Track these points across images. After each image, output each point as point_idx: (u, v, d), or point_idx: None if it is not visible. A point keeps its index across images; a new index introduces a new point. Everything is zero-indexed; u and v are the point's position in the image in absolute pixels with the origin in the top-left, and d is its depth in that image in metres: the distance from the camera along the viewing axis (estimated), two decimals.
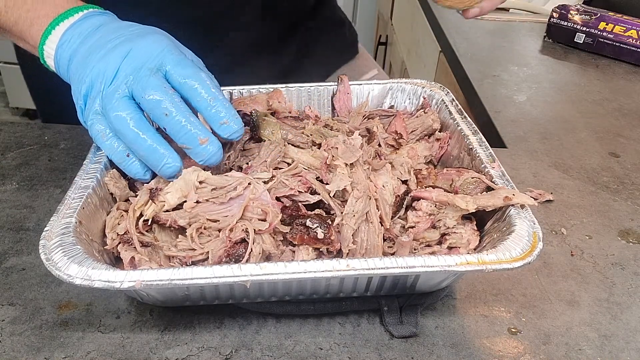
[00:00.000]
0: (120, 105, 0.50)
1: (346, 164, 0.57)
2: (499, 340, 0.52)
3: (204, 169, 0.53)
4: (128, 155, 0.53)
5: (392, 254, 0.54)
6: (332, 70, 1.00)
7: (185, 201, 0.52)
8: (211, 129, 0.53)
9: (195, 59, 0.57)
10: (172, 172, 0.52)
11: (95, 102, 0.52)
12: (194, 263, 0.51)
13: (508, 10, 1.48)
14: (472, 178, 0.58)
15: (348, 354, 0.50)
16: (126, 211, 0.54)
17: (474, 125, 0.66)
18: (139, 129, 0.50)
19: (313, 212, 0.54)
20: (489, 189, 0.57)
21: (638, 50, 1.17)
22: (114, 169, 0.58)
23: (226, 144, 0.63)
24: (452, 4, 0.71)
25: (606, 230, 0.68)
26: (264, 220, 0.51)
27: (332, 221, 0.52)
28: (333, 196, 0.55)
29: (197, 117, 0.52)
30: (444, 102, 0.71)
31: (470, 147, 0.62)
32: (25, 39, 0.60)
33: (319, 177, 0.57)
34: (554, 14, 1.26)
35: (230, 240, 0.50)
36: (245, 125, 0.66)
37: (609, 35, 1.19)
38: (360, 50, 1.08)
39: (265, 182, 0.54)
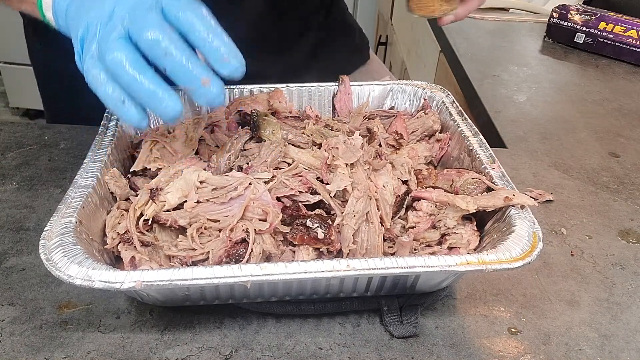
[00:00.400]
0: (117, 46, 0.48)
1: (347, 164, 0.57)
2: (499, 340, 0.53)
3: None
4: (124, 102, 0.49)
5: (393, 254, 0.54)
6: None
7: (186, 201, 0.52)
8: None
9: None
10: (174, 115, 0.49)
11: (91, 45, 0.50)
12: (194, 263, 0.51)
13: (508, 10, 1.48)
14: (473, 179, 0.58)
15: (348, 354, 0.50)
16: (126, 210, 0.54)
17: (474, 127, 0.66)
18: (137, 71, 0.48)
19: (313, 212, 0.54)
20: (489, 189, 0.57)
21: (638, 50, 1.17)
22: (115, 168, 0.59)
23: (227, 144, 0.63)
24: (425, 13, 0.70)
25: (606, 230, 0.68)
26: (265, 220, 0.51)
27: (333, 221, 0.52)
28: (333, 196, 0.55)
29: (198, 56, 0.50)
30: (445, 104, 0.72)
31: (471, 148, 0.62)
32: None
33: (319, 177, 0.57)
34: (554, 14, 1.26)
35: (230, 240, 0.50)
36: (245, 125, 0.67)
37: (609, 35, 1.19)
38: (372, 57, 1.07)
39: (265, 182, 0.54)
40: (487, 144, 0.63)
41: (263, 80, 0.75)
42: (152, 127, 0.70)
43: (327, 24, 0.98)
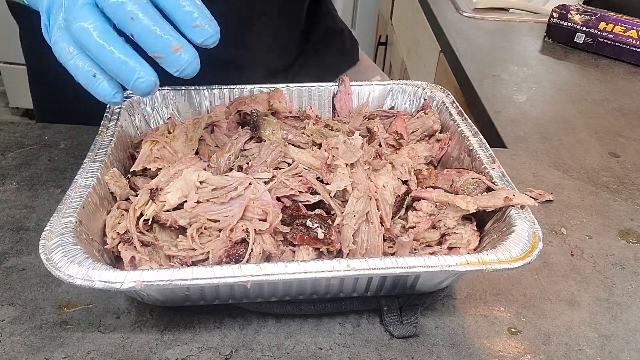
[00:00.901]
0: (82, 14, 0.45)
1: (347, 164, 0.57)
2: (499, 340, 0.53)
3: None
4: (95, 76, 0.47)
5: (393, 254, 0.54)
6: (331, 79, 1.00)
7: (186, 201, 0.52)
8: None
9: None
10: (147, 86, 0.46)
11: (58, 15, 0.47)
12: (194, 263, 0.51)
13: (508, 10, 1.48)
14: (473, 179, 0.58)
15: (348, 354, 0.50)
16: (126, 210, 0.54)
17: (474, 127, 0.66)
18: (105, 40, 0.44)
19: (313, 212, 0.54)
20: (489, 189, 0.57)
21: (638, 50, 1.17)
22: (115, 168, 0.59)
23: (227, 144, 0.63)
24: None
25: (606, 230, 0.68)
26: (265, 220, 0.51)
27: (333, 221, 0.52)
28: (333, 196, 0.55)
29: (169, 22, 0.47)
30: (445, 104, 0.72)
31: (471, 148, 0.62)
32: None
33: (319, 177, 0.57)
34: (554, 14, 1.26)
35: (230, 240, 0.50)
36: (245, 125, 0.67)
37: (609, 35, 1.19)
38: (362, 58, 1.07)
39: (265, 182, 0.54)
40: (487, 144, 0.63)
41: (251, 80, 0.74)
42: (152, 127, 0.70)
43: (316, 31, 0.97)
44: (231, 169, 0.60)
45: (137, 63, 0.45)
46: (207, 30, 0.46)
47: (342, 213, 0.53)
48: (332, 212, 0.55)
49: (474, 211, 0.54)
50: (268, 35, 0.90)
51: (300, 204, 0.55)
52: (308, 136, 0.65)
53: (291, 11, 0.93)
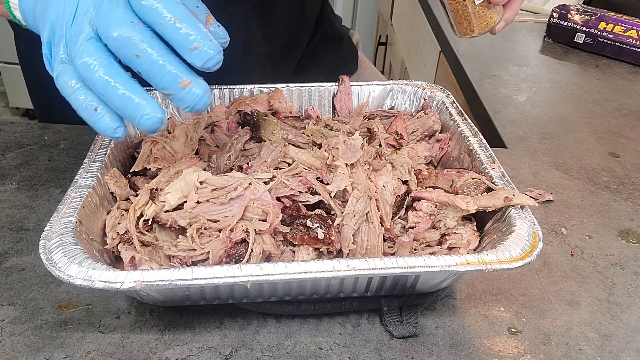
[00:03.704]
0: (86, 49, 0.43)
1: (347, 164, 0.57)
2: (499, 340, 0.53)
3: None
4: (96, 110, 0.44)
5: (393, 254, 0.54)
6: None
7: (186, 201, 0.52)
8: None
9: None
10: (152, 123, 0.44)
11: (59, 48, 0.45)
12: (194, 263, 0.51)
13: None
14: (473, 179, 0.58)
15: (348, 354, 0.50)
16: (126, 210, 0.54)
17: (474, 127, 0.66)
18: (110, 76, 0.43)
19: (313, 212, 0.54)
20: (489, 189, 0.57)
21: (638, 50, 1.17)
22: (115, 168, 0.59)
23: (227, 144, 0.63)
24: (479, 31, 0.66)
25: (606, 230, 0.68)
26: (265, 220, 0.51)
27: (333, 221, 0.52)
28: (333, 196, 0.55)
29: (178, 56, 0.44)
30: (445, 104, 0.72)
31: (471, 148, 0.62)
32: None
33: (319, 178, 0.57)
34: (554, 14, 1.26)
35: (230, 241, 0.50)
36: (245, 125, 0.67)
37: (609, 35, 1.19)
38: (362, 64, 1.06)
39: (265, 183, 0.54)
40: (487, 144, 0.63)
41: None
42: None
43: (315, 39, 0.97)
44: (231, 169, 0.60)
45: (143, 99, 0.43)
46: (207, 52, 0.42)
47: (342, 213, 0.53)
48: (332, 212, 0.55)
49: (474, 211, 0.54)
50: (265, 58, 0.90)
51: (300, 204, 0.55)
52: (308, 136, 0.65)
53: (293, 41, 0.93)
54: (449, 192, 0.57)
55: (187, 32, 0.42)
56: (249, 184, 0.53)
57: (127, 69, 0.44)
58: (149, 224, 0.52)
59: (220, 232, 0.51)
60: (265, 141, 0.62)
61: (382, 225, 0.55)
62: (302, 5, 0.92)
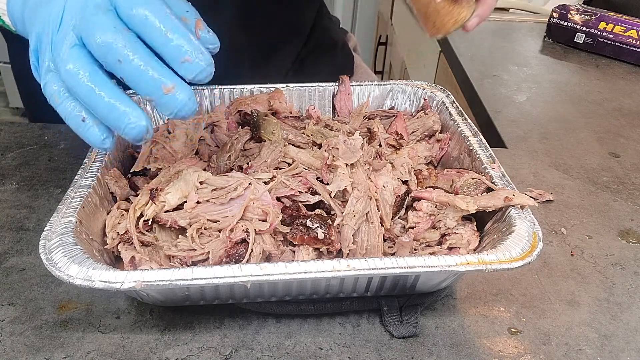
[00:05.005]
0: (71, 56, 0.42)
1: (347, 164, 0.57)
2: (499, 340, 0.53)
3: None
4: (84, 120, 0.43)
5: (393, 254, 0.54)
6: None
7: (186, 201, 0.52)
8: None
9: None
10: (137, 132, 0.42)
11: (45, 56, 0.44)
12: (194, 263, 0.51)
13: (508, 10, 1.48)
14: (473, 179, 0.58)
15: (348, 354, 0.50)
16: (126, 210, 0.54)
17: (474, 127, 0.66)
18: (94, 84, 0.41)
19: (313, 213, 0.54)
20: (489, 189, 0.57)
21: (638, 50, 1.17)
22: (115, 168, 0.59)
23: (227, 144, 0.63)
24: (447, 29, 0.64)
25: (606, 230, 0.68)
26: (265, 220, 0.51)
27: (333, 221, 0.52)
28: (333, 196, 0.55)
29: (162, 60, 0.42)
30: (445, 104, 0.72)
31: (471, 148, 0.62)
32: None
33: (319, 178, 0.57)
34: (554, 14, 1.26)
35: (230, 241, 0.50)
36: (245, 125, 0.67)
37: (609, 35, 1.19)
38: (358, 69, 1.05)
39: (265, 183, 0.54)
40: (487, 144, 0.63)
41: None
42: (152, 127, 0.70)
43: (309, 45, 0.96)
44: (231, 169, 0.60)
45: (128, 107, 0.42)
46: (198, 65, 0.41)
47: (342, 213, 0.54)
48: (332, 212, 0.55)
49: (474, 211, 0.54)
50: (260, 63, 0.89)
51: (300, 204, 0.55)
52: (308, 136, 0.65)
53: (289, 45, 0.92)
54: (449, 192, 0.57)
55: (178, 44, 0.41)
56: (249, 184, 0.53)
57: (114, 77, 0.43)
58: (149, 224, 0.52)
59: (220, 232, 0.51)
60: (265, 141, 0.62)
61: (382, 225, 0.55)
62: (296, 12, 0.91)
